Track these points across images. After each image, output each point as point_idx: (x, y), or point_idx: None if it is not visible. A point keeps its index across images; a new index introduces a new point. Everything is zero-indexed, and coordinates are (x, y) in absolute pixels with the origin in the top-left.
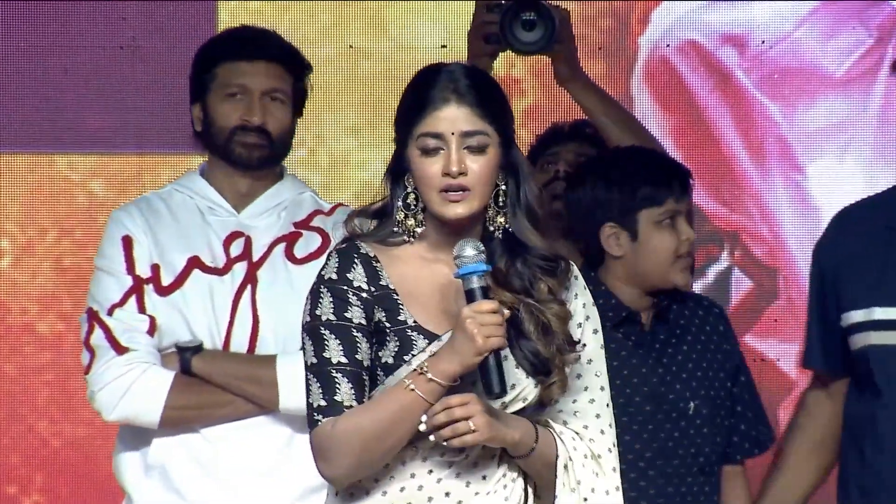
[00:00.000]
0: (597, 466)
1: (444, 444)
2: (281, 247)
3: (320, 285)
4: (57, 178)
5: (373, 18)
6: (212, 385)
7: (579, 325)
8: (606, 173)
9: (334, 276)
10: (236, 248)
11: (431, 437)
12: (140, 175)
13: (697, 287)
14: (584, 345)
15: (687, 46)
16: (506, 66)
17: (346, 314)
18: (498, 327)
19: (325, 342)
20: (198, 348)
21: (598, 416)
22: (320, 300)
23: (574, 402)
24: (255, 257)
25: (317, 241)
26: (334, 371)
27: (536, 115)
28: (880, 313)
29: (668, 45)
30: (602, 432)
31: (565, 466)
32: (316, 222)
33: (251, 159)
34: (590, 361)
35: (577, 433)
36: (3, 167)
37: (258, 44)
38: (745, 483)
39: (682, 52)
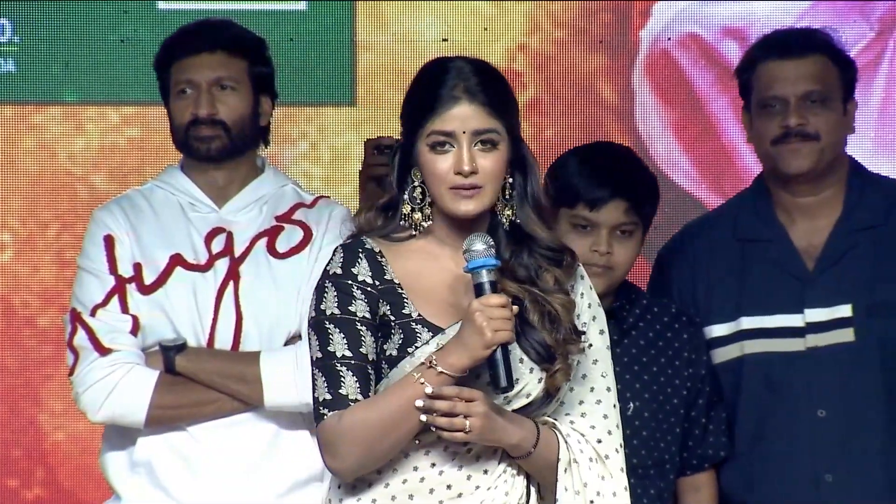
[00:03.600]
0: (603, 469)
1: (434, 430)
2: (262, 241)
3: (325, 280)
4: (59, 172)
5: (374, 13)
6: (196, 383)
7: (584, 324)
8: (567, 158)
9: (339, 271)
10: (218, 245)
11: (423, 417)
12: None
13: None
14: (591, 344)
15: (688, 40)
16: (507, 58)
17: (350, 308)
18: (506, 321)
19: (330, 336)
20: (181, 346)
21: (605, 416)
22: (325, 295)
23: (580, 403)
24: (237, 253)
25: (298, 234)
26: (339, 364)
27: (538, 109)
28: (748, 323)
29: (669, 39)
30: (609, 433)
31: (565, 469)
32: (298, 215)
33: (210, 152)
34: (595, 362)
35: (583, 435)
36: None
37: (199, 36)
38: (711, 493)
39: (683, 46)
